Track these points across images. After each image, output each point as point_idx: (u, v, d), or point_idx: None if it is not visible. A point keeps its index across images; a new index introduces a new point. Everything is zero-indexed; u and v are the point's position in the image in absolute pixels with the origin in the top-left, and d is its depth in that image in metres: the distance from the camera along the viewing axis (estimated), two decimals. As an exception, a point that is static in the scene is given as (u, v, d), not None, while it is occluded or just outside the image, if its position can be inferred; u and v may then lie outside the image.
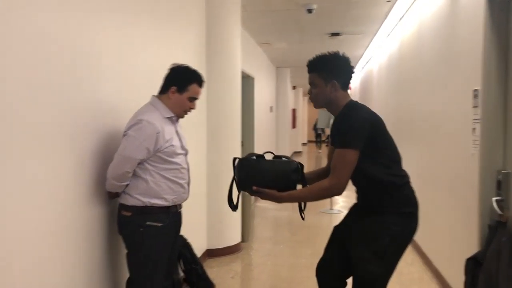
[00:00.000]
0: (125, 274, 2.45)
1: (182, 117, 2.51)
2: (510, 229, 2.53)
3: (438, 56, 4.07)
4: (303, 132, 22.31)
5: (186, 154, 2.53)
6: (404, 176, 2.33)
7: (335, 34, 7.43)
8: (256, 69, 8.09)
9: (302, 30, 7.13)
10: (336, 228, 2.51)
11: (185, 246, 3.54)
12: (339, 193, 2.17)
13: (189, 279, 3.49)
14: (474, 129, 3.00)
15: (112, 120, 2.48)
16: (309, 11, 5.63)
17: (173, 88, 2.40)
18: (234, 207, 2.39)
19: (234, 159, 2.31)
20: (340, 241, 2.44)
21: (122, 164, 2.26)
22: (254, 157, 2.34)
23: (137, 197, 2.31)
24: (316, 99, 2.35)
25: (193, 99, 2.47)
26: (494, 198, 2.70)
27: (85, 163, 2.22)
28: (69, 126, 2.08)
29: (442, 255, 3.92)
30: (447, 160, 3.71)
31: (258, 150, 8.06)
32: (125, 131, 2.30)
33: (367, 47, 8.92)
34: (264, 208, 7.38)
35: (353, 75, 2.36)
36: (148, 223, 2.32)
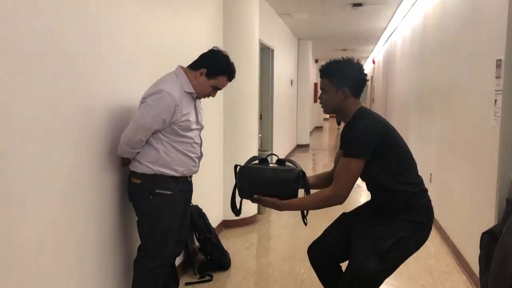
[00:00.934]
0: (137, 241, 2.48)
1: (200, 98, 2.50)
2: (529, 203, 2.47)
3: (461, 26, 3.93)
4: (325, 106, 22.05)
5: (201, 129, 2.52)
6: (418, 184, 2.26)
7: (358, 5, 7.22)
8: (276, 41, 7.97)
9: (323, 0, 6.97)
10: (345, 215, 2.49)
11: (200, 216, 3.60)
12: (340, 202, 2.15)
13: (204, 249, 3.56)
14: (495, 100, 2.90)
15: (126, 94, 2.49)
16: (330, -20, 5.49)
17: (203, 70, 2.38)
18: (237, 212, 2.41)
19: (236, 166, 2.30)
20: (344, 228, 2.41)
21: (136, 132, 2.26)
22: (257, 162, 2.32)
23: (147, 165, 2.32)
24: (326, 105, 2.31)
25: (216, 88, 2.46)
26: (513, 172, 2.63)
27: (100, 133, 2.24)
28: (85, 100, 2.10)
29: (459, 230, 3.87)
30: (468, 132, 3.62)
31: (277, 124, 8.07)
32: (143, 98, 2.30)
33: (391, 18, 8.68)
34: (283, 181, 7.39)
35: (366, 82, 2.30)
36: (157, 190, 2.33)
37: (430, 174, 4.88)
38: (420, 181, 2.28)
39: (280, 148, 8.30)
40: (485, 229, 2.60)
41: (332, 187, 2.15)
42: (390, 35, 10.10)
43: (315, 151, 11.60)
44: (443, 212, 4.34)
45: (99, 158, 2.25)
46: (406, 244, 2.19)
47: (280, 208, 2.24)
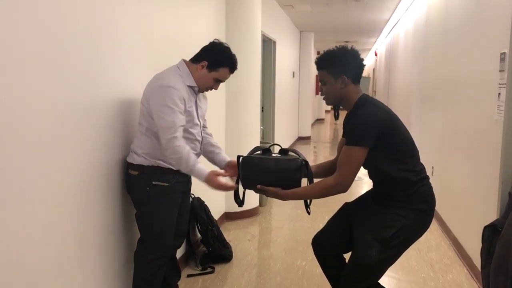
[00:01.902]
0: (138, 233, 2.49)
1: (202, 91, 2.49)
2: (531, 197, 2.47)
3: (465, 19, 3.91)
4: (327, 99, 21.96)
5: (201, 126, 2.51)
6: (420, 172, 2.25)
7: (361, -3, 7.20)
8: (278, 33, 7.94)
9: (326, -8, 6.93)
10: (347, 204, 2.49)
11: (202, 208, 3.61)
12: (343, 191, 2.14)
13: (206, 240, 3.57)
14: (499, 94, 2.89)
15: (130, 89, 2.48)
16: (333, -29, 5.45)
17: (204, 63, 2.37)
18: (240, 203, 2.42)
19: (238, 157, 2.30)
20: (347, 218, 2.42)
21: (169, 134, 2.23)
22: (260, 152, 2.32)
23: (144, 156, 2.33)
24: (328, 96, 2.30)
25: (219, 81, 2.44)
26: (516, 166, 2.62)
27: (103, 130, 2.24)
28: (90, 97, 2.10)
29: (460, 223, 3.87)
30: (471, 126, 3.62)
31: (279, 116, 8.06)
32: (147, 95, 2.28)
33: (394, 10, 8.63)
34: (284, 173, 7.40)
35: (363, 67, 2.29)
36: (154, 182, 2.33)
37: (432, 167, 4.88)
38: (422, 168, 2.28)
39: (282, 140, 8.30)
40: (487, 222, 2.61)
41: (335, 175, 2.15)
42: (393, 27, 10.05)
43: (316, 143, 11.60)
44: (445, 205, 4.34)
45: (102, 152, 2.25)
46: (408, 232, 2.19)
47: (283, 197, 2.25)
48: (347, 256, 2.38)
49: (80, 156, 2.06)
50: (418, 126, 6.12)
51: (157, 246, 2.41)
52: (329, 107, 22.46)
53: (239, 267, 3.57)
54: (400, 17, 8.78)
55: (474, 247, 3.31)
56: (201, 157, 2.59)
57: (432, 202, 2.28)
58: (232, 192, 2.41)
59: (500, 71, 2.88)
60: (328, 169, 2.44)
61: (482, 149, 3.26)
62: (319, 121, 18.23)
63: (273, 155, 2.31)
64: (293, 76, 10.54)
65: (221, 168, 2.57)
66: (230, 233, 4.28)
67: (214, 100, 4.09)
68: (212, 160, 2.66)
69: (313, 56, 13.05)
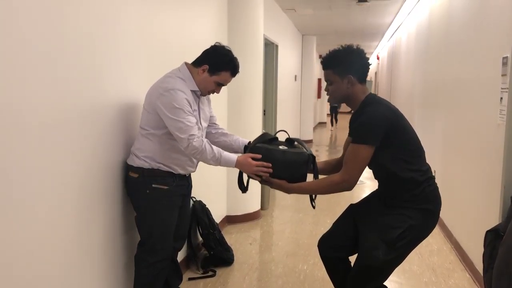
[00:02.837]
0: (138, 237, 2.49)
1: (204, 95, 2.49)
2: (533, 201, 2.46)
3: (467, 24, 3.91)
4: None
5: (203, 130, 2.50)
6: (426, 172, 2.24)
7: (363, 0, 7.20)
8: (280, 36, 7.95)
9: (328, -5, 6.95)
10: (352, 206, 2.49)
11: (204, 211, 3.61)
12: (349, 188, 2.15)
13: (207, 244, 3.56)
14: (501, 98, 2.89)
15: (132, 92, 2.49)
16: (336, -25, 5.46)
17: (205, 67, 2.36)
18: (244, 189, 2.42)
19: (245, 146, 2.30)
20: (352, 219, 2.41)
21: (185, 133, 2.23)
22: (267, 140, 2.33)
23: (144, 159, 2.33)
24: (334, 95, 2.29)
25: (220, 84, 2.43)
26: (518, 170, 2.62)
27: (103, 132, 2.24)
28: (92, 98, 2.10)
29: (462, 227, 3.86)
30: (473, 130, 3.61)
31: (281, 119, 8.05)
32: (151, 100, 2.28)
33: (396, 14, 8.64)
34: (286, 177, 7.39)
35: (369, 66, 2.28)
36: (154, 185, 2.33)
37: (434, 171, 4.84)
38: (427, 168, 2.27)
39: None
40: (489, 227, 2.60)
41: (341, 173, 2.14)
42: (395, 31, 10.06)
43: (318, 146, 11.59)
44: (447, 209, 4.32)
45: (102, 154, 2.25)
46: (414, 232, 2.18)
47: (289, 191, 2.25)
48: (352, 259, 2.37)
49: (80, 159, 2.07)
50: (420, 130, 6.10)
51: (157, 249, 2.41)
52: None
53: (241, 270, 3.56)
54: (402, 21, 8.79)
55: (476, 252, 3.30)
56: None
57: (439, 202, 2.27)
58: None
59: (502, 75, 2.88)
60: (334, 166, 2.44)
61: (484, 153, 3.25)
62: (321, 124, 18.22)
63: (280, 147, 2.31)
64: (295, 80, 10.54)
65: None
66: (232, 237, 4.27)
67: (216, 103, 4.08)
68: (232, 146, 2.62)
69: (316, 60, 13.06)
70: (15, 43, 1.62)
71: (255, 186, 4.79)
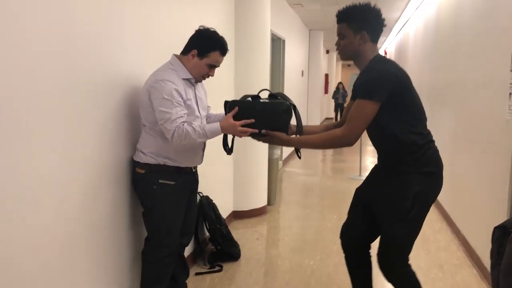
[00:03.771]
0: (145, 232, 2.50)
1: (199, 81, 2.48)
2: (542, 198, 2.44)
3: (476, 19, 3.87)
4: (336, 97, 21.91)
5: (203, 118, 2.51)
6: (427, 135, 2.24)
7: (370, -5, 7.16)
8: (287, 32, 7.92)
9: (335, -9, 6.90)
10: (358, 190, 2.48)
11: (210, 206, 3.62)
12: (350, 143, 2.12)
13: (214, 239, 3.57)
14: (510, 94, 2.86)
15: (135, 88, 2.49)
16: (343, -30, 5.42)
17: (194, 51, 2.35)
18: (228, 150, 2.43)
19: (226, 102, 2.31)
20: (363, 203, 2.41)
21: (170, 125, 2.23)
22: (250, 99, 2.33)
23: (150, 155, 2.33)
24: (344, 50, 2.26)
25: (212, 66, 2.41)
26: (527, 166, 2.60)
27: (110, 128, 2.25)
28: (95, 89, 2.10)
29: (470, 223, 3.84)
30: (481, 126, 3.59)
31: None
32: (143, 94, 2.29)
33: (404, 9, 8.58)
34: (292, 172, 7.40)
35: (384, 26, 2.25)
36: (161, 181, 2.34)
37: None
38: (428, 132, 2.26)
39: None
40: (496, 223, 2.58)
41: (344, 127, 2.12)
42: (403, 26, 9.99)
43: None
44: (454, 205, 4.31)
45: (109, 150, 2.26)
46: (421, 198, 2.18)
47: (288, 143, 2.24)
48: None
49: (88, 154, 2.08)
50: (428, 126, 6.07)
51: (164, 245, 2.42)
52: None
53: (247, 266, 3.57)
54: (410, 16, 8.73)
55: (483, 248, 3.29)
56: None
57: (440, 164, 2.26)
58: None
59: (511, 71, 2.85)
60: (327, 128, 2.45)
61: (493, 149, 3.23)
62: (328, 120, 18.17)
63: (261, 101, 2.32)
64: (302, 75, 10.52)
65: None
66: (238, 232, 4.28)
67: (223, 99, 4.09)
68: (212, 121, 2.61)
69: (322, 55, 13.01)
70: (17, 40, 1.63)
71: (261, 181, 4.81)
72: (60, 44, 1.84)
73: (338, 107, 16.57)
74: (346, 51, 2.26)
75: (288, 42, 7.86)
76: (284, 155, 7.88)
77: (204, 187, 3.04)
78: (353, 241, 2.49)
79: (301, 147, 2.30)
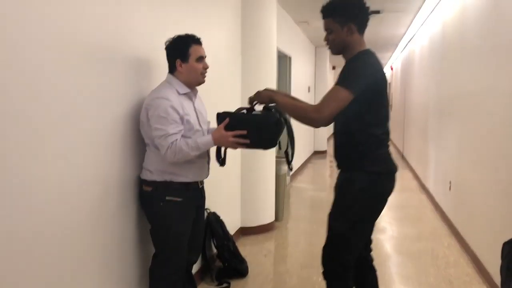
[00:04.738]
0: (152, 250, 2.50)
1: (203, 81, 2.47)
2: (551, 212, 2.42)
3: (482, 34, 3.90)
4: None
5: (204, 131, 2.51)
6: (382, 140, 2.24)
7: (376, 12, 7.21)
8: (294, 49, 7.99)
9: (341, 8, 6.97)
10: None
11: (218, 223, 3.62)
12: (316, 122, 2.14)
13: (222, 255, 3.57)
14: (517, 108, 2.87)
15: (145, 93, 2.52)
16: (348, -13, 5.47)
17: (178, 61, 2.38)
18: (221, 162, 2.48)
19: (218, 114, 2.35)
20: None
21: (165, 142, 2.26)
22: (244, 111, 2.38)
23: (156, 173, 2.34)
24: (333, 44, 2.28)
25: (200, 58, 2.42)
26: (535, 181, 2.59)
27: (118, 147, 2.27)
28: (105, 99, 2.14)
29: (479, 238, 3.81)
30: (488, 139, 3.58)
31: (294, 130, 8.02)
32: (145, 108, 2.31)
33: (409, 25, 8.63)
34: (300, 188, 7.38)
35: (369, 15, 2.26)
36: (168, 198, 2.34)
37: (450, 182, 4.82)
38: (384, 138, 2.26)
39: (298, 154, 8.29)
40: (506, 238, 2.56)
41: (315, 104, 2.16)
42: (408, 42, 10.04)
43: (332, 157, 11.54)
44: (463, 220, 4.28)
45: (117, 169, 2.29)
46: (365, 196, 2.21)
47: (275, 96, 2.28)
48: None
49: (96, 173, 2.10)
50: (435, 140, 6.07)
51: (172, 262, 2.41)
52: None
53: (255, 282, 3.55)
54: (415, 32, 8.77)
55: (494, 264, 3.25)
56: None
57: (389, 166, 2.26)
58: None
59: (517, 85, 2.86)
60: None
61: (501, 163, 3.22)
62: (335, 135, 18.14)
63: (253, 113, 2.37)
64: (309, 91, 10.57)
65: None
66: (246, 248, 4.27)
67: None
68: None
69: (329, 71, 13.07)
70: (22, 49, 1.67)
71: (269, 197, 4.81)
72: (72, 64, 1.88)
73: None
74: (335, 45, 2.28)
75: (294, 59, 7.92)
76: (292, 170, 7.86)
77: (212, 203, 3.04)
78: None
79: (283, 106, 2.28)
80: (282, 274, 3.76)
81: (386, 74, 2.24)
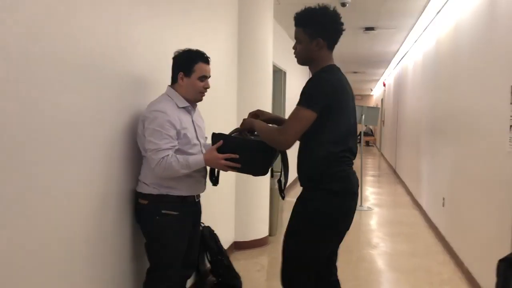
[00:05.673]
0: (146, 264, 2.48)
1: (200, 99, 2.48)
2: (546, 230, 2.43)
3: (475, 53, 3.95)
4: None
5: (202, 145, 2.51)
6: (342, 157, 2.15)
7: (369, 29, 7.30)
8: (288, 63, 8.04)
9: (335, 24, 7.05)
10: None
11: (212, 237, 3.59)
12: (282, 144, 2.13)
13: (215, 270, 3.53)
14: (511, 126, 2.90)
15: (142, 105, 2.52)
16: (343, 4, 5.53)
17: (181, 74, 2.38)
18: (214, 181, 2.47)
19: (213, 134, 2.33)
20: None
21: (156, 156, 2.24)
22: (237, 134, 2.38)
23: (153, 186, 2.33)
24: (300, 55, 2.23)
25: (203, 77, 2.42)
26: (530, 198, 2.60)
27: (115, 160, 2.26)
28: (103, 110, 2.13)
29: (474, 256, 3.81)
30: (482, 158, 3.61)
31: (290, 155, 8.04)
32: (141, 118, 2.31)
33: (402, 42, 8.74)
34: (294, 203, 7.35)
35: (341, 32, 2.18)
36: (163, 211, 2.32)
37: (443, 199, 4.84)
38: (345, 156, 2.17)
39: (294, 168, 8.29)
40: (500, 256, 2.56)
41: (281, 126, 2.15)
42: (401, 58, 10.15)
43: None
44: (457, 237, 4.28)
45: (114, 183, 2.27)
46: (320, 215, 2.12)
47: (252, 123, 2.29)
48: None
49: (92, 186, 2.09)
50: (428, 157, 6.10)
51: (166, 276, 2.39)
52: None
53: (249, 298, 3.52)
54: (408, 49, 8.88)
55: (488, 281, 3.25)
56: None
57: (349, 184, 2.17)
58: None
59: (511, 103, 2.89)
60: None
61: (494, 181, 3.24)
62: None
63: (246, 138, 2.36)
64: (303, 106, 10.60)
65: None
66: (240, 263, 4.23)
67: (226, 130, 4.12)
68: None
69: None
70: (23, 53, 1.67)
71: (262, 212, 4.79)
72: (68, 70, 1.87)
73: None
74: (301, 56, 2.23)
75: (289, 74, 7.97)
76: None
77: (206, 217, 3.01)
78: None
79: (258, 129, 2.27)
80: (275, 289, 3.73)
81: (351, 90, 2.18)
